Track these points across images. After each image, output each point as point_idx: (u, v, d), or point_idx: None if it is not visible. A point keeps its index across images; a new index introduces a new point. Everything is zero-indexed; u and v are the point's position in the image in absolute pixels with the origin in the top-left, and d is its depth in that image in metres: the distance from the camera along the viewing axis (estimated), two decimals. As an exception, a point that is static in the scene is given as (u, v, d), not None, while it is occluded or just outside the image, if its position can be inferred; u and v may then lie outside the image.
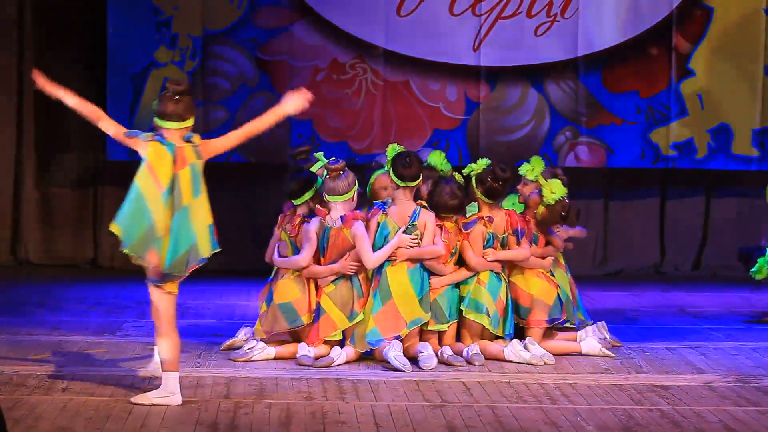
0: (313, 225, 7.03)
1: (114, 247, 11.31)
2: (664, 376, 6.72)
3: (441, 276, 7.08)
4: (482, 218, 7.16)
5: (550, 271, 7.41)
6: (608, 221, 11.36)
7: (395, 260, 6.95)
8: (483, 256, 7.11)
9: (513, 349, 6.98)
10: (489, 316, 7.09)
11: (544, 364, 6.92)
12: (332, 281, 7.02)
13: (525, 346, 7.01)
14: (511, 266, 7.30)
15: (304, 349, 6.91)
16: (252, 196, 10.79)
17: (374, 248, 6.95)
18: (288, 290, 7.03)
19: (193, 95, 10.75)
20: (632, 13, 10.81)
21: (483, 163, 7.23)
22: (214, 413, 5.76)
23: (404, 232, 6.97)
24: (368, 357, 6.99)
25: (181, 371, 6.68)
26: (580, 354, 7.17)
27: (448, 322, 7.11)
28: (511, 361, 6.96)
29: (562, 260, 7.56)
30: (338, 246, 6.99)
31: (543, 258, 7.36)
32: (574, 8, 10.77)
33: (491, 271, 7.14)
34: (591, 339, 7.26)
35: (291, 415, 5.75)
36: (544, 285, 7.29)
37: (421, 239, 6.98)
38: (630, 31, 10.81)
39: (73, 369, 6.67)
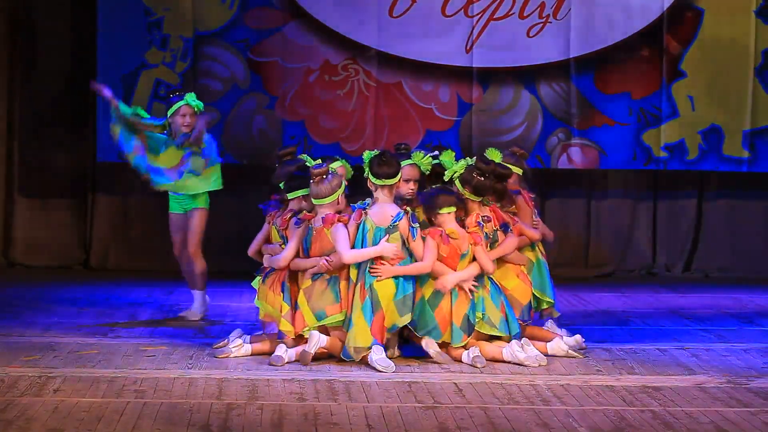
0: (299, 226, 7.07)
1: (106, 249, 11.31)
2: (656, 377, 6.72)
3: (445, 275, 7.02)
4: (483, 218, 7.15)
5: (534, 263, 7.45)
6: (600, 223, 11.37)
7: (380, 277, 6.93)
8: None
9: (511, 350, 6.98)
10: (495, 326, 7.07)
11: (538, 365, 6.92)
12: (310, 277, 7.03)
13: (521, 347, 7.01)
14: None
15: (280, 350, 6.93)
16: (243, 198, 10.78)
17: (355, 248, 6.98)
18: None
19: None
20: (624, 14, 10.83)
21: (463, 163, 7.21)
22: (206, 414, 5.75)
23: (386, 231, 6.97)
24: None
25: (174, 372, 6.68)
26: (546, 354, 7.12)
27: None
28: (508, 362, 6.96)
29: (539, 251, 7.55)
30: (321, 246, 7.02)
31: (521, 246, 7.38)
32: (566, 9, 10.78)
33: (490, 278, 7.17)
34: (558, 340, 7.22)
35: (283, 416, 5.75)
36: (520, 284, 7.32)
37: (404, 244, 6.97)
38: (622, 32, 10.83)
39: (65, 370, 6.65)
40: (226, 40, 10.77)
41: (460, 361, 6.98)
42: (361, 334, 6.89)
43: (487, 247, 7.13)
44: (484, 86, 10.84)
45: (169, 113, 8.35)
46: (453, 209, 7.03)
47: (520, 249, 7.38)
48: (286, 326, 7.05)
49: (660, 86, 10.88)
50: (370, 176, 7.02)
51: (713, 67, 10.88)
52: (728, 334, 8.12)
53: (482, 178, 7.12)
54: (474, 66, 10.81)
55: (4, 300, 9.27)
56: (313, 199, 7.08)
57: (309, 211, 7.14)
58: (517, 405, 6.03)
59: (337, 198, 7.07)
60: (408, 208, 7.04)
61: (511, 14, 10.79)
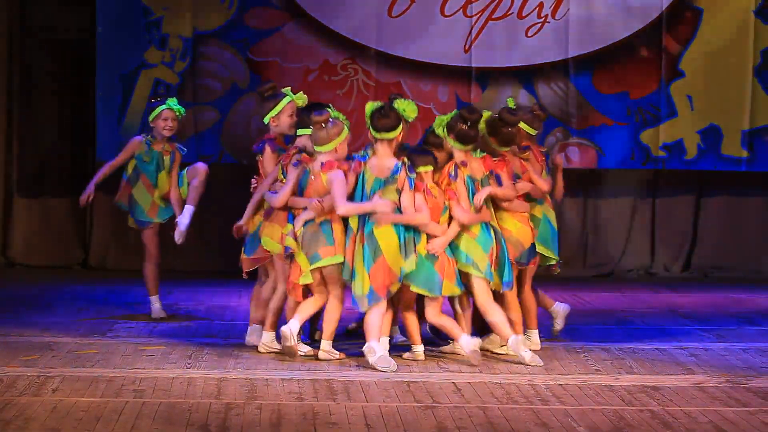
0: (297, 168, 7.09)
1: (104, 248, 11.31)
2: (655, 376, 6.72)
3: (436, 236, 7.00)
4: (456, 164, 7.12)
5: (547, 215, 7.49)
6: (598, 222, 11.38)
7: (379, 223, 6.92)
8: (475, 206, 7.06)
9: (515, 344, 6.99)
10: (479, 269, 7.05)
11: (534, 365, 6.94)
12: (302, 225, 7.01)
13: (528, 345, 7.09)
14: (495, 208, 7.24)
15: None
16: (242, 198, 10.76)
17: (353, 199, 6.98)
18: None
19: (184, 96, 10.86)
20: (623, 14, 10.84)
21: (451, 114, 7.24)
22: (204, 414, 5.75)
23: (385, 183, 6.95)
24: (358, 357, 7.01)
25: (172, 372, 6.68)
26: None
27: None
28: (506, 354, 7.00)
29: (547, 204, 7.56)
30: (316, 190, 7.01)
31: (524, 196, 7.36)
32: (564, 9, 10.79)
33: (482, 222, 7.08)
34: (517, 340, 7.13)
35: (282, 416, 5.75)
36: (523, 228, 7.28)
37: (399, 195, 6.96)
38: (620, 32, 10.84)
39: (64, 370, 6.65)
40: (225, 39, 10.78)
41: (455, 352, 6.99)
42: (360, 282, 6.92)
43: (479, 189, 7.09)
44: (483, 86, 10.84)
45: (150, 118, 8.42)
46: (430, 168, 7.06)
47: (529, 200, 7.38)
48: (290, 242, 7.04)
49: (659, 86, 10.89)
50: (370, 129, 7.05)
51: (712, 67, 10.88)
52: (727, 333, 8.12)
53: (465, 126, 7.11)
54: (473, 66, 10.82)
55: (3, 299, 9.27)
56: (314, 145, 7.09)
57: (309, 155, 7.13)
58: (515, 404, 6.03)
59: (336, 146, 7.04)
60: (405, 159, 7.04)
61: (510, 14, 10.79)
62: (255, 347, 7.28)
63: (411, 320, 7.13)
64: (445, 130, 7.15)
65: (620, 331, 8.19)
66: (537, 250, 7.40)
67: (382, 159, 7.02)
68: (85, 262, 11.25)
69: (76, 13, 10.96)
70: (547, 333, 7.70)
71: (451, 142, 7.14)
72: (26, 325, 8.06)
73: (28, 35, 11.02)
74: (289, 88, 7.42)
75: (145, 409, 5.81)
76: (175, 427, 5.51)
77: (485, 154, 7.20)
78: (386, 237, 6.92)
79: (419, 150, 7.14)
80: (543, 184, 7.46)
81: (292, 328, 6.96)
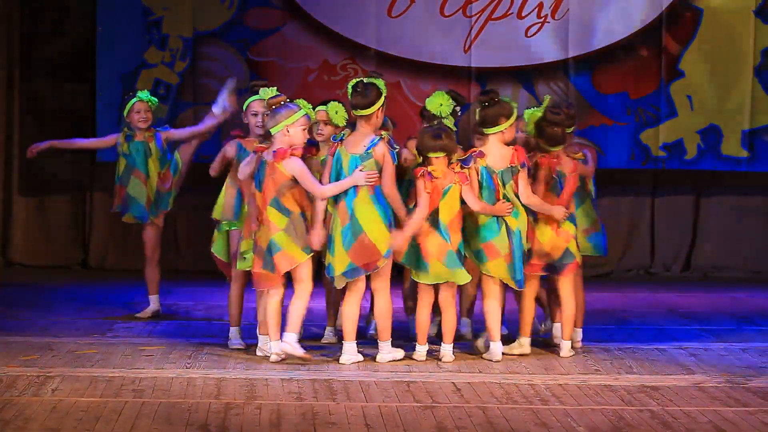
0: (250, 159, 7.04)
1: (104, 248, 11.31)
2: (654, 376, 6.73)
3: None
4: (472, 154, 7.07)
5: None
6: (598, 222, 11.36)
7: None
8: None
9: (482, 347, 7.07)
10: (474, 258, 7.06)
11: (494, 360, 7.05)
12: (288, 217, 6.90)
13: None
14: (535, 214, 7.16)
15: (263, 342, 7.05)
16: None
17: (331, 180, 6.94)
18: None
19: (184, 96, 10.86)
20: (622, 14, 10.84)
21: (538, 111, 7.22)
22: (204, 414, 5.76)
23: (361, 159, 6.88)
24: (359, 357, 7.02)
25: (172, 372, 6.68)
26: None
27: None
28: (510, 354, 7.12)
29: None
30: (274, 180, 6.87)
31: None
32: (564, 9, 10.79)
33: (494, 215, 7.02)
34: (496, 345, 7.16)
35: (281, 416, 5.75)
36: (554, 238, 7.14)
37: (380, 172, 6.87)
38: (620, 32, 10.84)
39: (63, 370, 6.66)
40: (225, 39, 10.78)
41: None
42: (339, 260, 6.86)
43: (496, 182, 7.03)
44: (482, 86, 10.83)
45: (125, 114, 8.51)
46: (441, 154, 6.98)
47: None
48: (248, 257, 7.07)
49: (658, 86, 10.89)
50: (351, 106, 7.03)
51: (712, 67, 10.89)
52: (726, 333, 8.13)
53: (485, 105, 7.11)
54: (472, 66, 10.82)
55: (2, 299, 9.27)
56: (269, 130, 6.99)
57: (262, 143, 7.04)
58: (515, 404, 6.03)
59: (284, 128, 6.87)
60: (384, 134, 6.97)
61: (510, 14, 10.80)
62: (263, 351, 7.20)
63: (424, 317, 7.09)
64: (535, 129, 7.22)
65: (620, 331, 8.19)
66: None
67: (360, 135, 6.95)
68: (84, 262, 11.26)
69: (78, 13, 10.96)
70: (591, 334, 7.67)
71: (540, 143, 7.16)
72: (26, 325, 8.06)
73: (31, 35, 11.02)
74: (275, 88, 7.21)
75: (144, 409, 5.81)
76: (174, 427, 5.51)
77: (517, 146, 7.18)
78: (367, 214, 6.84)
79: (431, 133, 7.02)
80: (585, 168, 7.45)
81: (290, 341, 6.89)
